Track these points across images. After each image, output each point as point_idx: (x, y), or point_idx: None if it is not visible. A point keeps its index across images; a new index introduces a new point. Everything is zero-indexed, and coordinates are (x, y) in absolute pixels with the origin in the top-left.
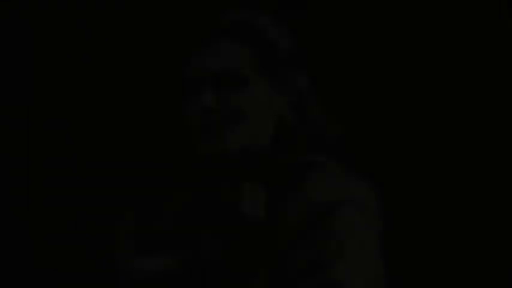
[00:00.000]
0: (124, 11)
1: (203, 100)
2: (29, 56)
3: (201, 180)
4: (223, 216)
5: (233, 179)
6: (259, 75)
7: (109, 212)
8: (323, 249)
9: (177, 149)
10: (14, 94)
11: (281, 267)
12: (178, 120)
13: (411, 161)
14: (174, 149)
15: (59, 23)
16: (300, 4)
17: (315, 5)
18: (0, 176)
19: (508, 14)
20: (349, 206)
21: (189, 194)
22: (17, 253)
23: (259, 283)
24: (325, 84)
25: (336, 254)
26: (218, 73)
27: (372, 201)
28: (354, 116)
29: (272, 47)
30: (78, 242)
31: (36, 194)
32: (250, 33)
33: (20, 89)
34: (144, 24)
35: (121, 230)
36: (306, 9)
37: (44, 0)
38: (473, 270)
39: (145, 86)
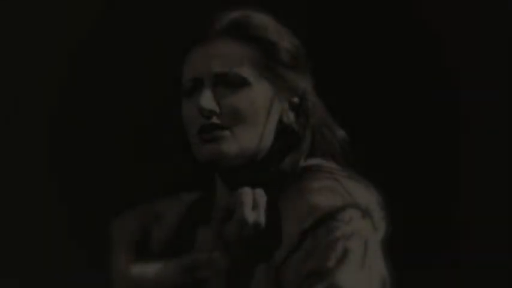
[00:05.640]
0: (124, 10)
1: (202, 101)
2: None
3: (200, 183)
4: (223, 222)
5: (233, 182)
6: (260, 76)
7: (108, 214)
8: (326, 255)
9: (176, 151)
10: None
11: (283, 273)
12: (177, 121)
13: (415, 165)
14: (174, 151)
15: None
16: (302, 5)
17: (317, 6)
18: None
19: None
20: (352, 210)
21: (188, 198)
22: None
23: None
24: (330, 87)
25: (339, 259)
26: (218, 73)
27: (376, 205)
28: (358, 120)
29: (273, 48)
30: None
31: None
32: (251, 33)
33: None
34: (143, 23)
35: (119, 233)
36: (307, 10)
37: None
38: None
39: (144, 86)
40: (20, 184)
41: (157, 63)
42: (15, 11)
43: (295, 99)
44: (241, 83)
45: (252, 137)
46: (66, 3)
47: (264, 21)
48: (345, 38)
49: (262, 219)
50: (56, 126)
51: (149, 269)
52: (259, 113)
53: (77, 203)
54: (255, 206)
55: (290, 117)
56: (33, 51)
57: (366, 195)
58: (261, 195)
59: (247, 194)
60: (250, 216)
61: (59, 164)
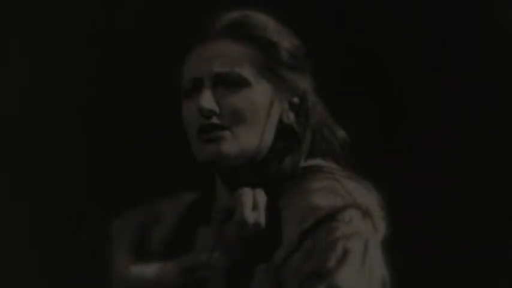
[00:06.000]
0: (124, 10)
1: (202, 101)
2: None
3: (200, 183)
4: (223, 222)
5: (233, 183)
6: (260, 76)
7: (108, 214)
8: (326, 255)
9: (176, 151)
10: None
11: (283, 274)
12: (177, 122)
13: (415, 165)
14: (174, 152)
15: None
16: (303, 5)
17: (317, 6)
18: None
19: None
20: (353, 211)
21: (188, 198)
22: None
23: None
24: (330, 88)
25: (339, 259)
26: (218, 73)
27: (376, 205)
28: (359, 121)
29: (273, 48)
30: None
31: (36, 195)
32: (251, 33)
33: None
34: (143, 23)
35: (118, 234)
36: (308, 10)
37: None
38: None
39: (144, 86)
40: (20, 184)
41: (157, 63)
42: (12, 10)
43: (295, 100)
44: (242, 83)
45: (252, 137)
46: (66, 3)
47: (263, 21)
48: (345, 38)
49: (262, 219)
50: (55, 126)
51: (149, 270)
52: (259, 113)
53: (77, 203)
54: (255, 207)
55: (290, 117)
56: (33, 51)
57: (366, 195)
58: (261, 195)
59: (247, 195)
60: (250, 216)
61: (59, 164)
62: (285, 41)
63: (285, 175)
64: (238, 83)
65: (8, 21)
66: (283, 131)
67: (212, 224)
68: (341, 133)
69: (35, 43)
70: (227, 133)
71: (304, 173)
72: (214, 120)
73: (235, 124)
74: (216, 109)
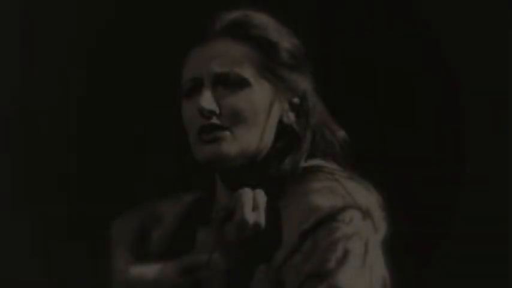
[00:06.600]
0: (124, 10)
1: (202, 101)
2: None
3: (200, 183)
4: (223, 222)
5: (233, 183)
6: (260, 77)
7: (108, 215)
8: (326, 256)
9: (176, 151)
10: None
11: (283, 274)
12: (177, 122)
13: (416, 165)
14: (173, 152)
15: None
16: (303, 5)
17: (317, 6)
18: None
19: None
20: (353, 211)
21: (188, 199)
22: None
23: None
24: (330, 88)
25: (339, 260)
26: (218, 73)
27: (376, 206)
28: (359, 121)
29: (273, 48)
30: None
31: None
32: (251, 33)
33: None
34: (144, 23)
35: (119, 233)
36: (309, 10)
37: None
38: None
39: (144, 87)
40: (20, 185)
41: (157, 63)
42: (13, 10)
43: (296, 100)
44: (242, 83)
45: (252, 138)
46: (66, 3)
47: (264, 21)
48: (345, 38)
49: (262, 220)
50: (56, 127)
51: (149, 270)
52: (259, 114)
53: (78, 204)
54: (255, 207)
55: (290, 117)
56: (33, 51)
57: (366, 195)
58: (261, 195)
59: (248, 195)
60: (251, 217)
61: (59, 164)
62: (285, 41)
63: (285, 175)
64: (238, 83)
65: (8, 21)
66: (283, 131)
67: (212, 224)
68: (341, 133)
69: (36, 43)
70: (227, 133)
71: (305, 173)
72: (214, 120)
73: (235, 124)
74: (216, 109)
